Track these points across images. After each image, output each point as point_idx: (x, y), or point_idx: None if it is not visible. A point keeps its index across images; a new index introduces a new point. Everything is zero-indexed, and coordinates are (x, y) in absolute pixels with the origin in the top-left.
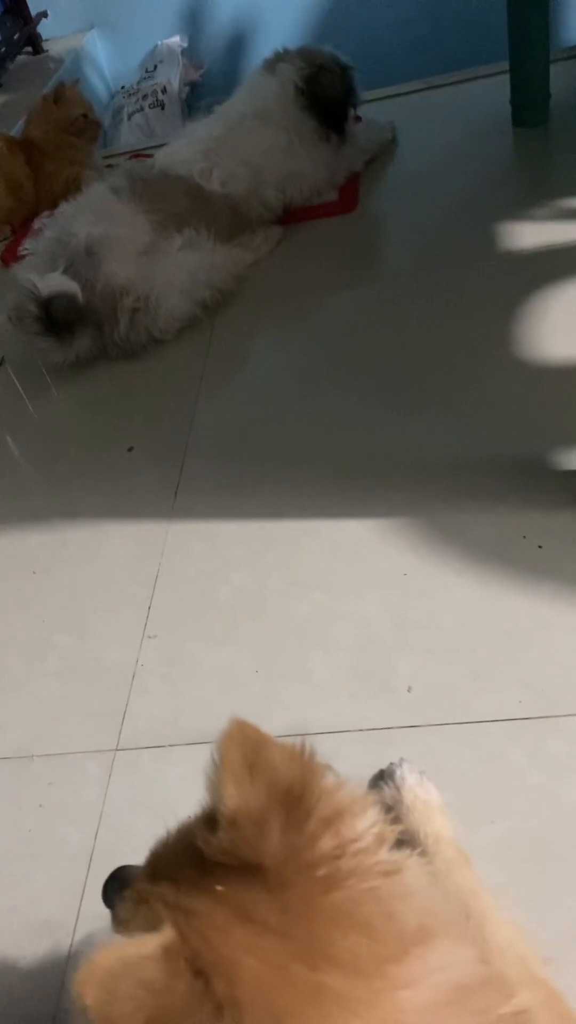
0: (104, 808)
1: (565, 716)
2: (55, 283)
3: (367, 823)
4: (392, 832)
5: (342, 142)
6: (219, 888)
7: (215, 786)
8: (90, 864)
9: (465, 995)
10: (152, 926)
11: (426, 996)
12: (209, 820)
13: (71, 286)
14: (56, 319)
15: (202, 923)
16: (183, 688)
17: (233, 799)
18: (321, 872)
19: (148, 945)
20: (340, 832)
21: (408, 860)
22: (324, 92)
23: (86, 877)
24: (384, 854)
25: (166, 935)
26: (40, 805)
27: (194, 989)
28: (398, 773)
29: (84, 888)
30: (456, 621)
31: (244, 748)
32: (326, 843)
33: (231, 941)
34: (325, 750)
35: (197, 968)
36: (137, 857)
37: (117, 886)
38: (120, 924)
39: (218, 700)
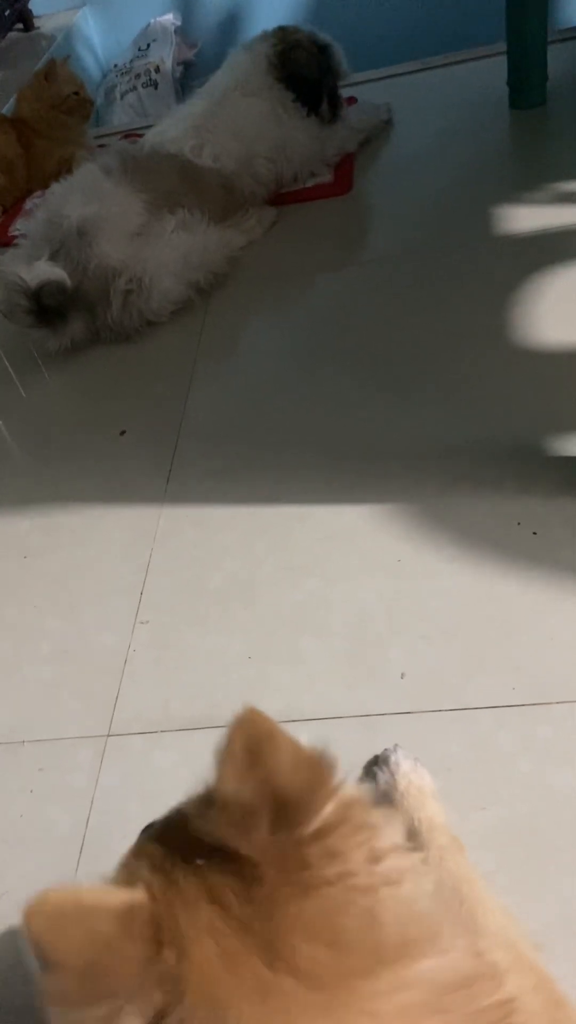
0: (95, 794)
1: (557, 703)
2: (41, 272)
3: (362, 838)
4: (392, 849)
5: (329, 119)
6: (199, 862)
7: (217, 766)
8: (81, 849)
9: (445, 999)
10: (130, 883)
11: (396, 1008)
12: (208, 797)
13: (58, 273)
14: (47, 307)
15: (175, 893)
16: (176, 674)
17: (228, 784)
18: (300, 876)
19: (113, 899)
20: (331, 845)
21: (407, 870)
22: (297, 70)
23: (77, 862)
24: (378, 868)
25: (135, 896)
26: (31, 791)
27: (144, 953)
28: (392, 759)
29: (76, 873)
30: (450, 608)
31: (250, 738)
32: (314, 851)
33: (195, 918)
34: (317, 735)
35: (153, 934)
36: (128, 843)
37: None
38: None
39: (211, 686)
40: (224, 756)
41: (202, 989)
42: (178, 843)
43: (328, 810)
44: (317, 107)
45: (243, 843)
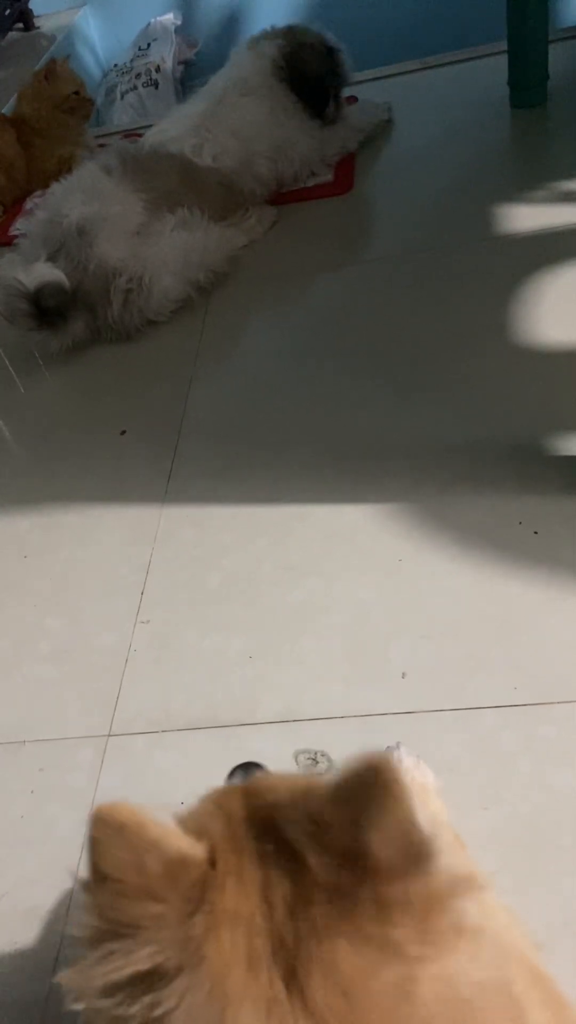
0: (96, 794)
1: (559, 703)
2: (39, 274)
3: (429, 918)
4: (454, 931)
5: (331, 121)
6: (268, 847)
7: (330, 781)
8: (82, 850)
9: None
10: (199, 835)
11: None
12: (307, 792)
13: (56, 274)
14: (47, 308)
15: (234, 868)
16: (176, 674)
17: (326, 805)
18: (348, 919)
19: (174, 843)
20: (393, 911)
21: (462, 955)
22: (304, 69)
23: (78, 863)
24: (430, 946)
25: (196, 851)
26: (31, 791)
27: (178, 909)
28: (395, 756)
29: (77, 874)
30: (451, 607)
31: (370, 782)
32: (372, 906)
33: (240, 903)
34: (318, 735)
35: (196, 896)
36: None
37: (241, 774)
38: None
39: (212, 686)
40: (339, 782)
41: (215, 971)
42: (262, 812)
43: (407, 887)
44: (323, 109)
45: (313, 858)
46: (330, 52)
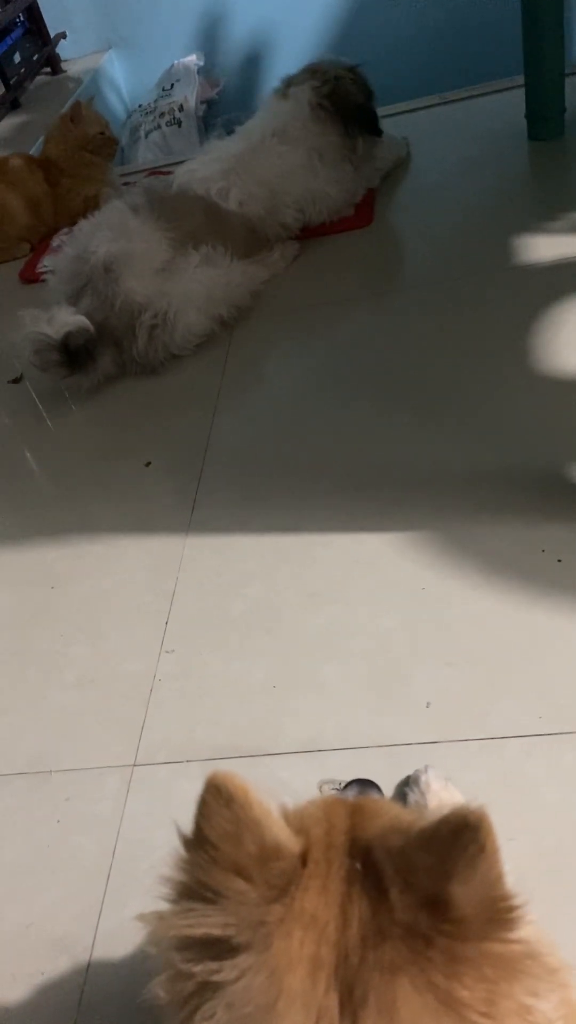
0: (122, 824)
1: None
2: (63, 322)
3: (502, 988)
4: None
5: (366, 156)
6: (358, 868)
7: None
8: (108, 880)
9: None
10: (300, 829)
11: None
12: (410, 828)
13: (78, 319)
14: (76, 350)
15: (322, 875)
16: (201, 703)
17: (417, 849)
18: (416, 962)
19: (273, 829)
20: (464, 968)
21: None
22: (348, 99)
23: (104, 892)
24: (495, 1010)
25: (291, 844)
26: (58, 821)
27: (259, 891)
28: (423, 779)
29: (102, 903)
30: (474, 635)
31: (469, 837)
32: (441, 955)
33: (319, 910)
34: (343, 765)
35: (280, 885)
36: (155, 872)
37: (356, 788)
38: (293, 806)
39: (236, 715)
40: (432, 826)
41: (279, 962)
42: (362, 832)
43: (484, 947)
44: (378, 129)
45: (396, 893)
46: (351, 70)
